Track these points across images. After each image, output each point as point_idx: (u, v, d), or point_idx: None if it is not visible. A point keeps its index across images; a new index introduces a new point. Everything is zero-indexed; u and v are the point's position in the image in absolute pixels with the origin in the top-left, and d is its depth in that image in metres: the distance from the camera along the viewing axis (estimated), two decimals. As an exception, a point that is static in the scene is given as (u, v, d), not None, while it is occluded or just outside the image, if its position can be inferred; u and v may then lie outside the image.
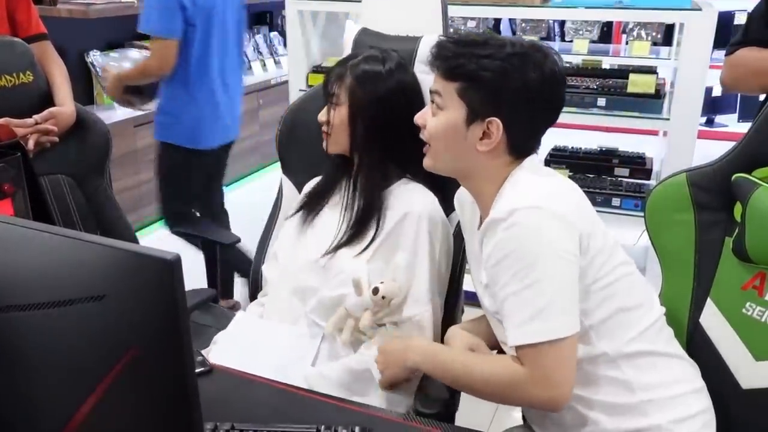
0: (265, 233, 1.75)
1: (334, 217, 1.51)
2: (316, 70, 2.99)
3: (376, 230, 1.43)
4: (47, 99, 1.92)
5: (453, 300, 1.55)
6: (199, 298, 1.74)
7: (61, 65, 2.14)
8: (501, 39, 1.20)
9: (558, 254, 1.10)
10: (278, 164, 1.78)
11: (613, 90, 2.59)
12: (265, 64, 4.89)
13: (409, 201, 1.45)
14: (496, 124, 1.15)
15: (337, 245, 1.45)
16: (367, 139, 1.45)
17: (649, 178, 2.85)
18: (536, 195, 1.14)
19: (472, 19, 4.30)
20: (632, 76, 2.57)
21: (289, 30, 2.93)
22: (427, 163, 1.26)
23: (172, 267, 0.48)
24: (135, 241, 2.20)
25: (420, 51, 1.58)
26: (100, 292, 0.51)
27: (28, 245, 0.53)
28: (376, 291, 1.35)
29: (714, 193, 1.31)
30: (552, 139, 3.18)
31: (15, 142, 1.11)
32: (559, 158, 2.99)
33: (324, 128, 1.49)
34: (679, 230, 1.34)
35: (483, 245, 1.18)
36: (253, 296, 1.72)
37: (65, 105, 2.03)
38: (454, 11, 3.14)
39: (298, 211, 1.57)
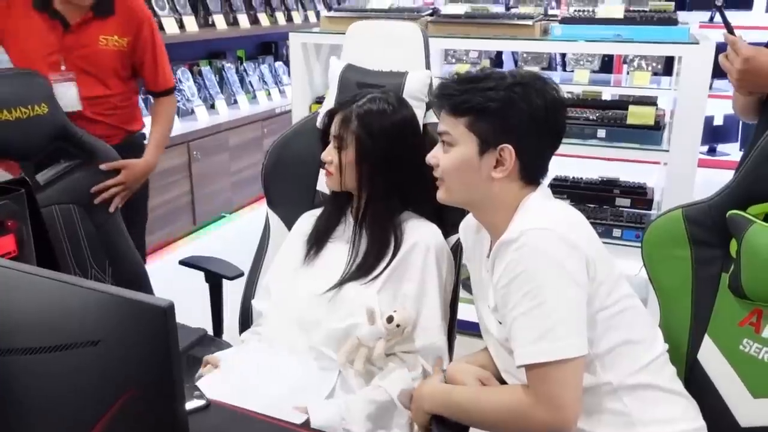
0: (254, 267, 1.76)
1: (338, 252, 1.54)
2: (319, 101, 3.02)
3: (389, 261, 1.47)
4: (63, 131, 1.96)
5: (448, 327, 1.57)
6: (192, 338, 1.76)
7: (167, 117, 2.43)
8: (500, 72, 1.26)
9: (567, 276, 1.13)
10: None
11: (613, 121, 2.61)
12: (270, 94, 4.95)
13: (415, 233, 1.50)
14: (508, 150, 1.20)
15: (346, 278, 1.48)
16: (374, 176, 1.51)
17: (650, 209, 2.85)
18: (546, 218, 1.18)
19: (474, 50, 4.35)
20: (632, 108, 2.60)
21: (293, 62, 2.97)
22: (442, 196, 1.30)
23: (166, 314, 0.50)
24: (143, 272, 2.21)
25: (407, 85, 1.63)
26: (96, 337, 0.53)
27: (27, 289, 0.55)
28: (390, 319, 1.38)
29: (710, 229, 1.32)
30: (553, 168, 3.18)
31: (20, 178, 1.12)
32: (560, 188, 3.00)
33: (329, 168, 1.52)
34: (676, 266, 1.34)
35: (494, 268, 1.20)
36: (242, 329, 1.73)
37: (147, 156, 2.29)
38: (453, 44, 3.18)
39: (309, 249, 1.59)
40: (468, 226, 1.41)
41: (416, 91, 1.63)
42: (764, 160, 1.25)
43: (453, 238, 1.58)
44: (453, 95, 1.23)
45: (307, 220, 1.65)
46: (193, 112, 4.10)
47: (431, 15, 2.84)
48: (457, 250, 1.58)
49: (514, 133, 1.21)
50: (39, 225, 1.13)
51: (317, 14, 5.31)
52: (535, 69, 4.67)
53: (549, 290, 1.12)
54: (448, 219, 1.57)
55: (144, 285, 2.16)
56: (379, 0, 3.08)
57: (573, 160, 2.89)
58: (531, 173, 1.25)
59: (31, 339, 0.55)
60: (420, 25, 1.73)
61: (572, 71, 4.57)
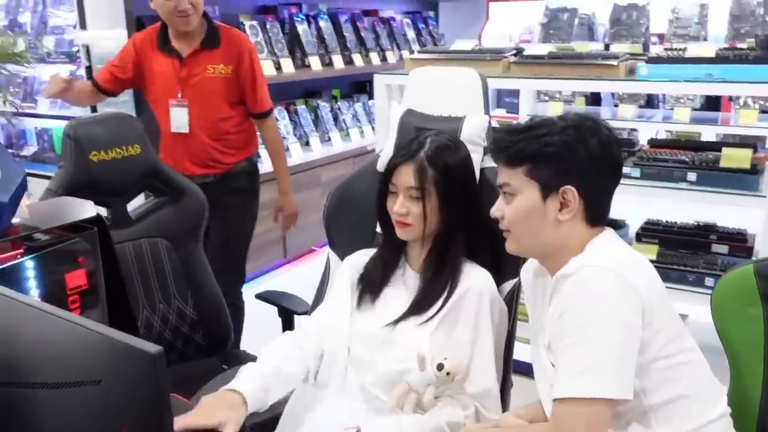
0: (314, 306, 1.79)
1: (394, 296, 1.55)
2: (403, 140, 3.07)
3: (443, 303, 1.47)
4: (154, 170, 2.12)
5: (503, 374, 1.56)
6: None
7: (274, 144, 2.81)
8: (551, 118, 1.27)
9: (618, 317, 1.11)
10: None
11: (705, 164, 2.48)
12: (362, 131, 5.07)
13: (470, 277, 1.51)
14: (571, 192, 1.21)
15: (402, 316, 1.49)
16: (455, 218, 1.51)
17: (750, 256, 2.67)
18: (606, 257, 1.18)
19: (560, 92, 4.29)
20: (726, 150, 2.46)
21: (377, 102, 3.04)
22: (512, 248, 1.32)
23: (154, 360, 0.53)
24: (222, 303, 2.30)
25: (464, 130, 1.65)
26: (99, 377, 0.57)
27: (37, 326, 0.60)
28: (440, 367, 1.38)
29: None
30: (645, 211, 3.07)
31: (96, 216, 1.22)
32: (651, 232, 2.87)
33: (406, 220, 1.50)
34: (747, 325, 1.26)
35: (551, 301, 1.20)
36: None
37: (284, 192, 2.81)
38: (537, 85, 3.15)
39: (364, 293, 1.59)
40: (529, 268, 1.41)
41: (473, 135, 1.64)
42: None
43: (508, 285, 1.56)
44: (508, 146, 1.26)
45: (360, 258, 1.65)
46: (288, 149, 4.27)
47: (515, 55, 2.84)
48: (513, 297, 1.56)
49: (573, 173, 1.21)
50: (111, 260, 1.22)
51: (412, 53, 5.41)
52: (633, 107, 4.52)
53: (597, 327, 1.11)
54: (503, 268, 1.56)
55: (221, 315, 2.26)
56: (464, 41, 3.11)
57: (667, 203, 2.77)
58: (596, 213, 1.25)
59: (43, 374, 0.60)
60: (478, 71, 1.74)
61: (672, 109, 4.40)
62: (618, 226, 2.97)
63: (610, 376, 1.10)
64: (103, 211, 2.08)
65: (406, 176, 1.49)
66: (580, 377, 1.10)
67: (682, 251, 2.73)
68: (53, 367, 0.60)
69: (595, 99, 4.97)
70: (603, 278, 1.13)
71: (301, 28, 4.43)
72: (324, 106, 4.80)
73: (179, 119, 2.52)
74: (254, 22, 4.11)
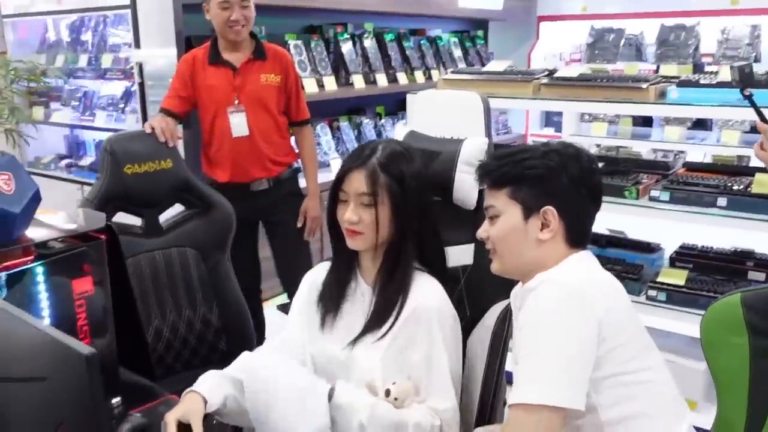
0: None
1: (352, 311, 1.53)
2: (434, 158, 3.11)
3: (394, 320, 1.46)
4: (185, 184, 2.23)
5: (494, 391, 1.55)
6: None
7: (310, 150, 3.02)
8: (534, 145, 1.35)
9: (571, 330, 1.17)
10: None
11: (736, 189, 2.43)
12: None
13: (421, 291, 1.49)
14: (551, 212, 1.28)
15: (358, 336, 1.49)
16: (407, 228, 1.48)
17: (787, 285, 2.58)
18: (570, 274, 1.25)
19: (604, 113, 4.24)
20: (758, 176, 2.40)
21: (409, 121, 3.10)
22: (496, 267, 1.37)
23: (87, 360, 0.59)
24: (245, 312, 2.38)
25: (462, 152, 1.67)
26: (43, 374, 0.64)
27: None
28: (387, 393, 1.40)
29: None
30: (680, 235, 3.00)
31: (106, 225, 1.31)
32: (686, 257, 2.81)
33: (357, 228, 1.46)
34: (733, 354, 1.25)
35: (518, 315, 1.28)
36: None
37: (310, 194, 2.96)
38: (568, 106, 3.14)
39: (325, 312, 1.56)
40: (517, 293, 1.42)
41: (471, 158, 1.64)
42: None
43: (501, 305, 1.57)
44: (493, 170, 1.33)
45: (319, 274, 1.62)
46: (329, 165, 4.36)
47: (547, 76, 2.85)
48: (505, 317, 1.56)
49: (554, 195, 1.28)
50: (121, 268, 1.31)
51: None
52: (680, 129, 4.44)
53: (550, 339, 1.17)
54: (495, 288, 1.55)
55: (245, 324, 2.34)
56: (497, 63, 3.13)
57: (705, 228, 2.71)
58: (577, 234, 1.32)
59: None
60: (480, 94, 1.77)
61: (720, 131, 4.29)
62: (652, 249, 2.93)
63: (558, 385, 1.15)
64: (137, 221, 2.21)
65: (358, 182, 1.45)
66: (531, 385, 1.15)
67: (716, 277, 2.66)
68: (3, 363, 0.67)
69: (645, 120, 4.89)
70: (559, 292, 1.20)
71: (346, 47, 4.54)
72: (367, 123, 4.89)
73: (239, 124, 2.75)
74: (299, 42, 4.23)
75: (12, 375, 0.64)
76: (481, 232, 1.37)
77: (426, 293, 1.48)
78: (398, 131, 1.86)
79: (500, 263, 1.35)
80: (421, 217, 1.51)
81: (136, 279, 2.07)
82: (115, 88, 4.40)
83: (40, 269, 1.18)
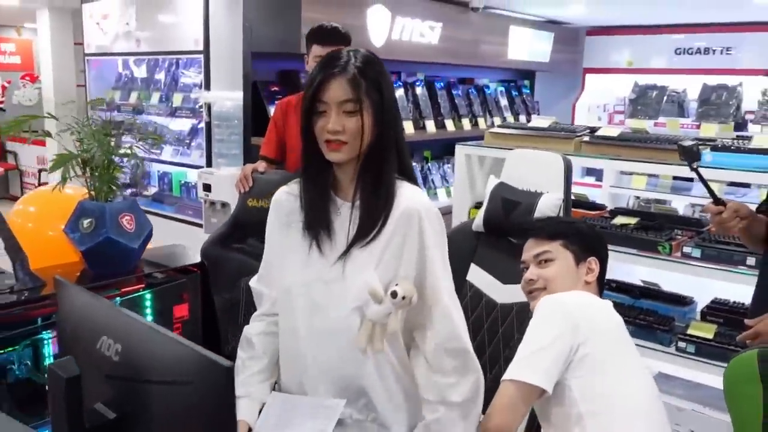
0: None
1: (336, 230, 1.48)
2: (479, 206, 3.31)
3: (383, 223, 1.43)
4: None
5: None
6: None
7: None
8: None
9: (552, 327, 1.50)
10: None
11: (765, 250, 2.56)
12: (449, 191, 5.34)
13: (405, 199, 1.46)
14: (595, 261, 1.71)
15: (348, 248, 1.44)
16: (388, 133, 1.44)
17: (815, 344, 2.68)
18: (568, 295, 1.61)
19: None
20: (787, 238, 2.53)
21: (457, 169, 3.31)
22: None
23: (227, 372, 0.80)
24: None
25: (539, 205, 1.98)
26: (190, 379, 0.85)
27: (153, 341, 0.90)
28: (395, 294, 1.37)
29: None
30: (713, 290, 3.12)
31: (200, 262, 1.55)
32: (716, 311, 2.93)
33: (342, 138, 1.39)
34: (748, 404, 1.40)
35: None
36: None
37: None
38: (607, 164, 3.28)
39: (316, 233, 1.48)
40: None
41: (546, 210, 1.97)
42: None
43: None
44: (546, 225, 1.79)
45: (282, 198, 1.57)
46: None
47: (589, 134, 3.04)
48: None
49: (596, 249, 1.72)
50: (209, 298, 1.54)
51: (503, 121, 5.67)
52: (719, 186, 4.55)
53: (533, 333, 1.53)
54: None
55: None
56: (541, 119, 3.34)
57: (734, 285, 2.82)
58: (603, 279, 1.74)
59: (153, 374, 0.89)
60: (562, 156, 2.06)
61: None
62: (684, 302, 3.05)
63: (528, 367, 1.46)
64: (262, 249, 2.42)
65: (339, 90, 1.38)
66: (513, 365, 1.48)
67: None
68: (159, 369, 0.88)
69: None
70: (551, 303, 1.56)
71: (398, 93, 4.81)
72: (414, 166, 5.12)
73: None
74: (355, 88, 4.51)
75: (165, 379, 0.86)
76: (529, 275, 1.71)
77: (410, 197, 1.46)
78: (490, 181, 2.17)
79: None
80: (398, 126, 1.49)
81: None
82: (183, 124, 4.73)
83: (148, 295, 1.42)
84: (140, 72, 5.07)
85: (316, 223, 1.46)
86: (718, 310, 2.92)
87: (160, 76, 4.89)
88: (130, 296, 1.36)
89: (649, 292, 3.09)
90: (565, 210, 2.00)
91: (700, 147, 2.13)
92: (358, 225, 1.43)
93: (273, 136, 2.92)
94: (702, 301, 3.05)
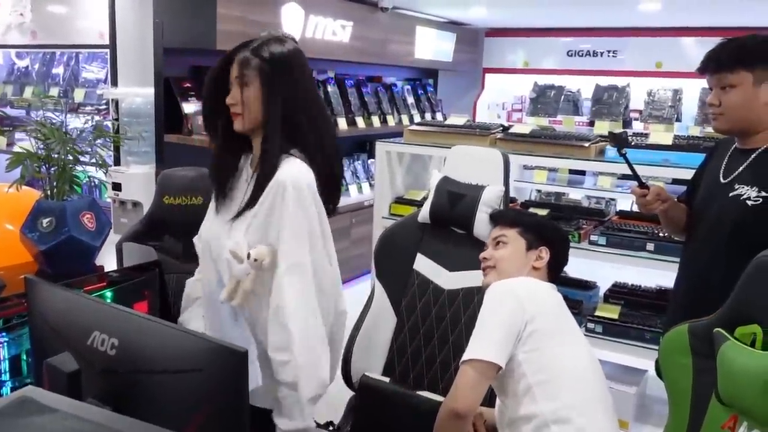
0: (357, 324, 2.15)
1: (238, 195, 1.66)
2: (399, 201, 3.43)
3: (252, 197, 1.59)
4: None
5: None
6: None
7: None
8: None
9: (501, 309, 1.63)
10: (366, 277, 2.19)
11: (661, 236, 2.83)
12: (360, 188, 5.44)
13: (281, 171, 1.57)
14: (545, 250, 1.83)
15: (236, 215, 1.61)
16: (275, 107, 1.58)
17: (704, 320, 2.99)
18: (515, 281, 1.73)
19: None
20: (680, 225, 2.81)
21: (378, 165, 3.41)
22: (488, 280, 1.81)
23: (241, 357, 0.84)
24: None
25: (483, 196, 2.10)
26: (200, 367, 0.88)
27: (154, 334, 0.91)
28: (249, 256, 1.54)
29: (707, 343, 1.53)
30: (613, 274, 3.40)
31: (155, 260, 1.55)
32: (617, 294, 3.19)
33: (235, 110, 1.59)
34: (681, 372, 1.56)
35: None
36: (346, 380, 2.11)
37: None
38: (520, 159, 3.51)
39: (215, 194, 1.70)
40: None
41: (490, 201, 2.11)
42: (748, 287, 1.48)
43: None
44: (509, 212, 2.02)
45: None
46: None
47: (502, 132, 3.22)
48: None
49: (549, 240, 1.84)
50: (164, 293, 1.54)
51: (411, 118, 5.82)
52: (610, 179, 4.92)
53: (485, 315, 1.65)
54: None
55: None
56: (457, 117, 3.50)
57: (633, 268, 3.10)
58: (554, 271, 1.86)
59: (158, 364, 0.91)
60: (501, 151, 2.23)
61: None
62: (589, 287, 3.30)
63: (481, 345, 1.59)
64: (179, 246, 2.39)
65: (234, 68, 1.60)
66: (469, 348, 1.60)
67: (644, 312, 3.05)
68: (163, 359, 0.90)
69: (579, 169, 5.39)
70: (500, 289, 1.69)
71: (310, 91, 4.83)
72: (327, 163, 5.16)
73: None
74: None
75: (171, 368, 0.88)
76: (486, 255, 1.85)
77: (286, 170, 1.56)
78: (433, 176, 2.26)
79: (495, 277, 1.79)
80: (296, 101, 1.60)
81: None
82: (86, 121, 4.52)
83: (109, 294, 1.41)
84: (36, 66, 4.80)
85: (218, 189, 1.68)
86: (618, 293, 3.19)
87: (59, 70, 4.66)
88: (93, 294, 1.34)
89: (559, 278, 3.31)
90: (505, 202, 2.13)
91: (628, 136, 2.40)
92: (249, 197, 1.60)
93: None
94: (604, 286, 3.32)
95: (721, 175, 1.92)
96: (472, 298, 2.06)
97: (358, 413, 2.03)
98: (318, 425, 1.90)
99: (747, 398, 1.34)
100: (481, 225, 2.09)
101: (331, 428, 2.01)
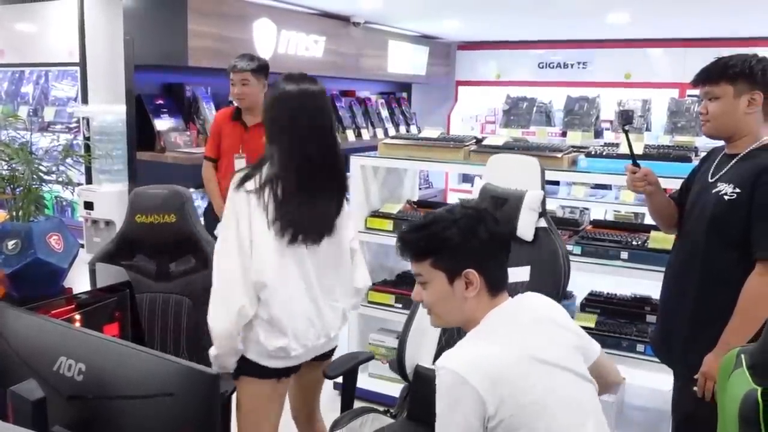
0: (409, 319, 2.22)
1: None
2: (374, 214, 3.42)
3: None
4: (188, 237, 2.38)
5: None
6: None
7: None
8: (443, 213, 1.54)
9: (457, 415, 1.36)
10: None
11: (635, 244, 2.85)
12: (337, 201, 5.42)
13: None
14: (472, 273, 1.48)
15: None
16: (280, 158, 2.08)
17: (679, 327, 3.01)
18: (466, 357, 1.41)
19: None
20: (653, 233, 2.84)
21: (353, 179, 3.39)
22: (436, 323, 1.60)
23: (213, 380, 0.82)
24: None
25: (526, 200, 2.24)
26: (171, 391, 0.86)
27: (123, 357, 0.89)
28: None
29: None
30: (590, 282, 3.42)
31: (126, 281, 1.52)
32: (593, 303, 3.21)
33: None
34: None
35: None
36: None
37: None
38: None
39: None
40: None
41: (532, 204, 2.22)
42: None
43: None
44: (412, 244, 1.54)
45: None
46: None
47: (476, 144, 3.23)
48: None
49: (471, 257, 1.49)
50: (135, 314, 1.51)
51: (386, 132, 5.83)
52: (584, 188, 4.97)
53: (441, 424, 1.39)
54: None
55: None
56: (431, 129, 3.51)
57: (611, 276, 3.12)
58: (496, 282, 1.53)
59: (125, 389, 0.88)
60: (538, 160, 2.37)
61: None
62: (565, 296, 3.32)
63: None
64: (152, 265, 2.36)
65: None
66: None
67: (620, 320, 3.07)
68: (133, 384, 0.88)
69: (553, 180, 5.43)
70: (448, 381, 1.37)
71: (284, 106, 4.82)
72: (302, 178, 5.14)
73: (239, 165, 3.31)
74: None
75: (140, 393, 0.85)
76: (415, 296, 1.56)
77: None
78: (476, 183, 2.34)
79: (439, 320, 1.57)
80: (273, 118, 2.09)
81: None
82: (57, 140, 4.45)
83: (78, 317, 1.37)
84: (4, 85, 4.73)
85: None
86: (595, 302, 3.22)
87: (28, 89, 4.59)
88: (62, 318, 1.31)
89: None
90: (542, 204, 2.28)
91: (631, 114, 2.52)
92: None
93: (213, 139, 3.60)
94: (580, 295, 3.34)
95: (709, 176, 2.08)
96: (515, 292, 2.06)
97: (413, 400, 2.11)
98: (377, 411, 2.17)
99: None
100: (524, 226, 2.22)
101: (389, 413, 2.20)
